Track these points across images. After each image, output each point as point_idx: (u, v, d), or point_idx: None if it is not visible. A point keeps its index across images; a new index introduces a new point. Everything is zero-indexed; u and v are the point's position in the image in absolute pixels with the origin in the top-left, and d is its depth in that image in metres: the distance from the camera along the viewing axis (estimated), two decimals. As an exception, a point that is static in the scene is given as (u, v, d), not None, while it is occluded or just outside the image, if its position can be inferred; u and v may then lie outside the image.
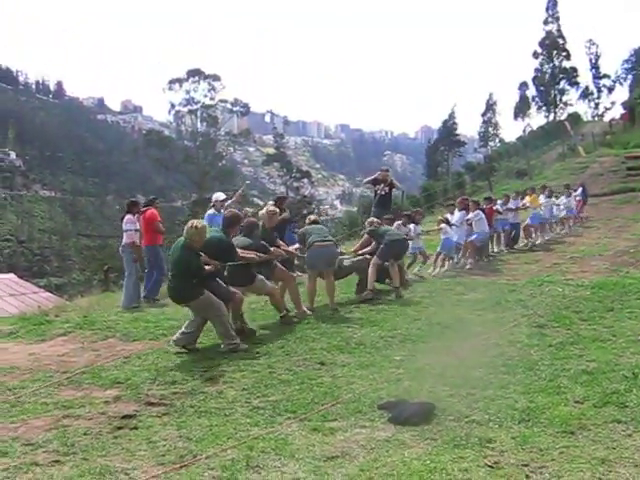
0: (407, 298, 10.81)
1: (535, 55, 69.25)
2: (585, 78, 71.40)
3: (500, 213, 16.40)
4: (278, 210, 10.63)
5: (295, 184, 66.68)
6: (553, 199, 19.41)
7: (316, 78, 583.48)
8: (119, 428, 5.49)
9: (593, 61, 70.88)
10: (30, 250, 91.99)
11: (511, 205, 17.19)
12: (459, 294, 11.03)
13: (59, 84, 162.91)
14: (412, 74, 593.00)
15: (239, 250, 8.62)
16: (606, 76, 70.77)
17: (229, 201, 13.38)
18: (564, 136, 43.58)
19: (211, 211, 12.94)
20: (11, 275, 23.63)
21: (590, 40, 71.52)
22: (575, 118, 58.94)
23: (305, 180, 69.10)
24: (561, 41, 68.12)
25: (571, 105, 69.44)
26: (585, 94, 70.47)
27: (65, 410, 5.98)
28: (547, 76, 68.65)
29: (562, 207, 20.23)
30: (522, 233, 17.56)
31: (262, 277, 9.12)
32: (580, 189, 22.63)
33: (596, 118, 66.51)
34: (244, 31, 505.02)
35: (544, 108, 69.87)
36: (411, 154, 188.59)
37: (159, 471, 4.55)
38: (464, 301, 10.47)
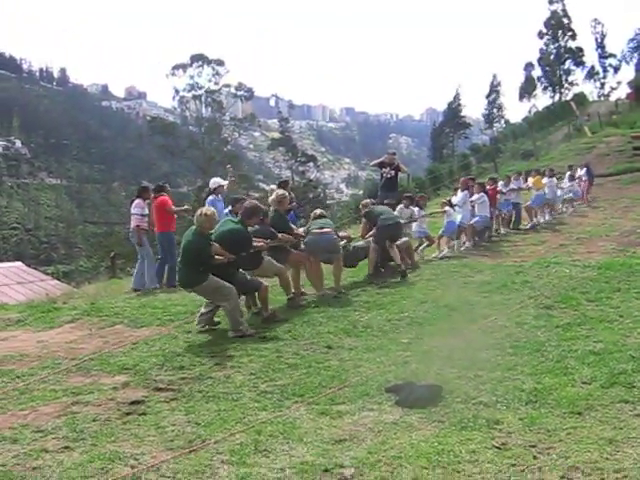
0: (414, 281, 10.81)
1: (540, 35, 68.64)
2: (591, 58, 71.01)
3: (504, 194, 16.39)
4: (287, 193, 10.67)
5: (300, 168, 66.40)
6: (555, 180, 19.26)
7: (321, 61, 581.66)
8: (128, 414, 5.52)
9: (599, 40, 70.21)
10: (37, 238, 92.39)
11: (513, 185, 17.14)
12: (465, 276, 11.03)
13: (63, 71, 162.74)
14: (417, 56, 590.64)
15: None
16: (612, 55, 70.16)
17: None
18: (570, 116, 43.33)
19: (212, 197, 12.95)
20: (19, 263, 23.69)
21: (595, 19, 71.22)
22: (581, 98, 58.41)
23: (310, 164, 68.78)
24: (566, 21, 67.45)
25: (577, 85, 68.87)
26: (591, 74, 69.85)
27: (74, 397, 6.01)
28: (552, 56, 68.10)
29: (566, 189, 20.11)
30: (524, 214, 17.53)
31: (269, 258, 9.18)
32: (584, 169, 22.47)
33: (602, 98, 65.92)
34: (249, 16, 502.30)
35: (550, 89, 69.36)
36: (416, 136, 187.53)
37: (168, 456, 4.57)
38: (471, 283, 10.47)
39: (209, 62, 67.66)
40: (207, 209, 8.40)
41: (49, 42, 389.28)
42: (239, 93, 70.61)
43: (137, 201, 12.22)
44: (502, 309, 8.52)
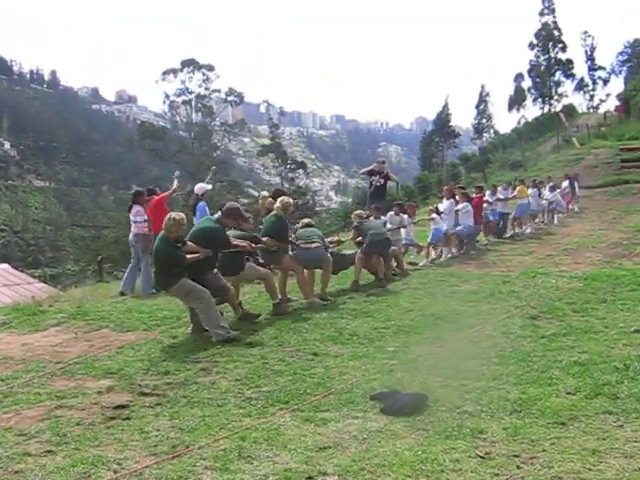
0: (401, 289, 10.85)
1: (531, 46, 69.05)
2: (580, 70, 71.61)
3: (490, 204, 16.55)
4: (292, 200, 10.81)
5: (290, 175, 66.33)
6: (540, 189, 19.35)
7: (312, 69, 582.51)
8: (112, 418, 5.49)
9: (588, 53, 70.98)
10: (24, 240, 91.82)
11: (500, 195, 17.30)
12: (452, 285, 11.07)
13: (53, 74, 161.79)
14: (407, 64, 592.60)
15: (232, 239, 8.71)
16: (601, 68, 70.93)
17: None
18: (559, 128, 43.50)
19: (202, 203, 12.99)
20: (5, 265, 23.51)
21: (585, 32, 71.69)
22: (570, 110, 58.73)
23: (300, 171, 68.70)
24: (557, 33, 67.85)
25: (566, 97, 69.37)
26: (580, 86, 70.46)
27: (58, 400, 5.98)
28: (543, 68, 68.56)
29: (549, 200, 20.17)
30: (509, 224, 17.67)
31: (251, 264, 9.27)
32: (567, 181, 22.59)
33: (591, 110, 66.48)
34: (240, 23, 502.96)
35: (539, 100, 69.80)
36: (406, 145, 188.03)
37: (151, 461, 4.55)
38: (457, 292, 10.51)
39: (200, 67, 67.65)
40: (177, 214, 8.34)
41: (40, 44, 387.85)
42: (229, 98, 70.51)
43: (137, 208, 12.12)
44: (488, 319, 8.54)
